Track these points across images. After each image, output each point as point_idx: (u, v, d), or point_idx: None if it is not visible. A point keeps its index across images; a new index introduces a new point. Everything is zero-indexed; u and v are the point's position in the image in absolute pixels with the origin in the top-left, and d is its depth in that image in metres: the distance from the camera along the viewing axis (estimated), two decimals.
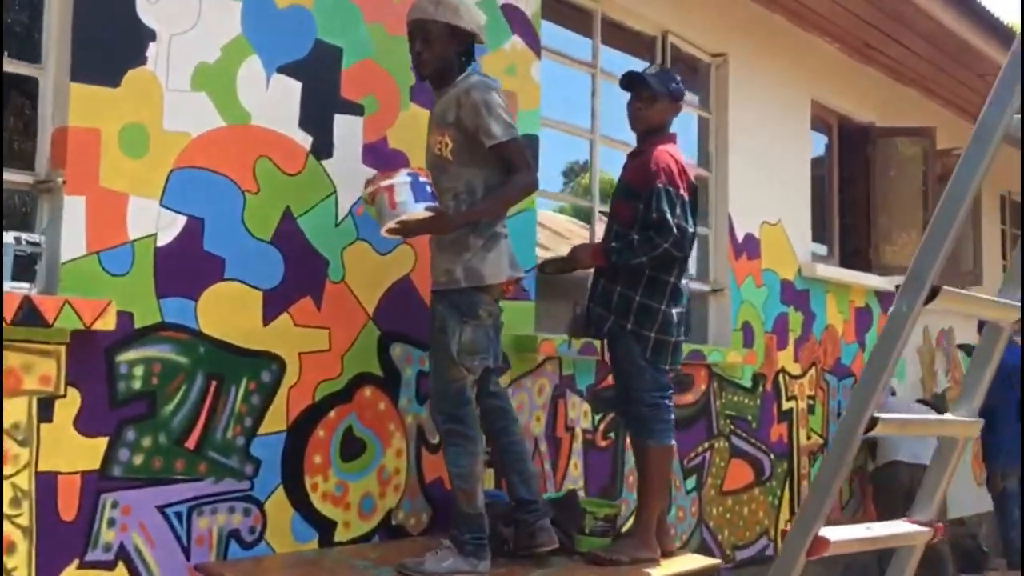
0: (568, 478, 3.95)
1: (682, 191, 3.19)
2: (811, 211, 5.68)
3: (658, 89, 3.33)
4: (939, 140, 6.25)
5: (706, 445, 4.70)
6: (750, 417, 5.00)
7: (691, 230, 3.21)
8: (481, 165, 2.93)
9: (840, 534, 1.58)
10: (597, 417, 4.10)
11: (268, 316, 2.97)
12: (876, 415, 1.54)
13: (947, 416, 1.84)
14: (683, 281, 3.33)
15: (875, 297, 6.20)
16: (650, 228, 3.15)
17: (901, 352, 1.60)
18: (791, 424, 5.31)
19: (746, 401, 4.98)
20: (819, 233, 6.37)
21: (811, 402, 5.49)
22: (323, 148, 3.15)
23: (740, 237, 5.05)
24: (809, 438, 5.46)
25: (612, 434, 4.17)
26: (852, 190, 6.29)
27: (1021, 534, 6.00)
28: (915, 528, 1.77)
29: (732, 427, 4.86)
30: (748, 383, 5.01)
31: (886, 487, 5.55)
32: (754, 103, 5.18)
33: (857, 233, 6.49)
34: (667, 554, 3.27)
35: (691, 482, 4.59)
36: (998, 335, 1.83)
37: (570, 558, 3.16)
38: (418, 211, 2.81)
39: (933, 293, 1.55)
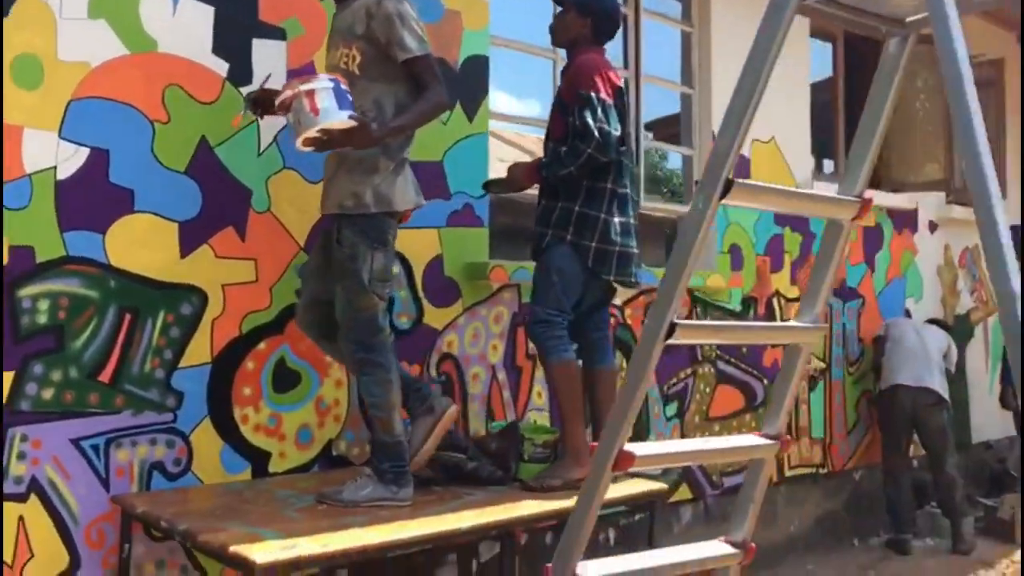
0: (532, 407, 3.89)
1: (603, 95, 3.07)
2: (812, 127, 5.43)
3: (567, 1, 3.23)
4: None
5: (688, 371, 4.58)
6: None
7: (615, 133, 3.08)
8: (390, 80, 2.81)
9: (646, 449, 1.48)
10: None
11: (185, 248, 2.93)
12: (675, 321, 1.42)
13: (790, 322, 1.70)
14: (626, 190, 3.20)
15: (886, 215, 5.93)
16: (576, 137, 3.05)
17: (700, 252, 1.48)
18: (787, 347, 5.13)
19: None
20: (825, 150, 6.12)
21: None
22: (241, 75, 3.07)
23: None
24: (808, 362, 5.29)
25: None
26: (859, 104, 5.98)
27: None
28: (761, 441, 1.65)
29: (718, 352, 4.73)
30: (737, 307, 4.85)
31: (888, 411, 5.37)
32: (741, 11, 4.92)
33: None
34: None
35: (671, 409, 4.48)
36: (838, 233, 1.68)
37: (508, 487, 3.10)
38: (342, 119, 2.66)
39: (727, 187, 1.42)
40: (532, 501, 2.91)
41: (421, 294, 3.53)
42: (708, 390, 4.67)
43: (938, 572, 4.95)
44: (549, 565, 1.58)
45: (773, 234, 5.08)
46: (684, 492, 4.51)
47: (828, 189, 5.32)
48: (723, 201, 1.45)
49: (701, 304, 4.65)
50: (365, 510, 2.69)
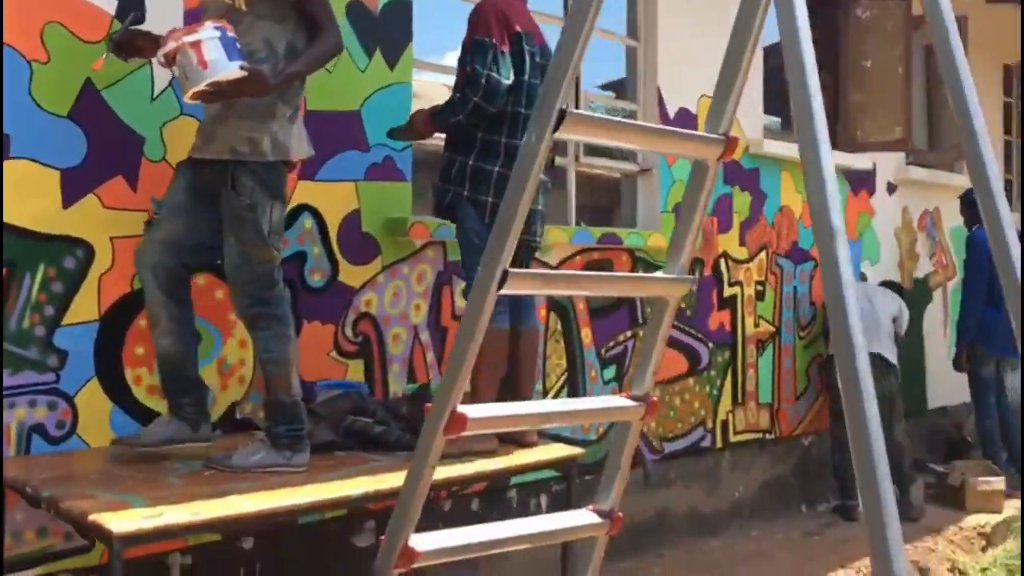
0: None
1: (496, 40, 2.89)
2: (764, 84, 5.27)
3: None
4: (915, 4, 5.73)
5: (628, 334, 4.44)
6: (683, 304, 4.71)
7: (506, 82, 2.92)
8: (279, 19, 2.62)
9: (480, 411, 1.33)
10: None
11: (68, 198, 2.75)
12: (507, 269, 1.27)
13: (656, 274, 1.56)
14: None
15: (842, 176, 5.79)
16: (466, 85, 2.89)
17: (533, 191, 1.32)
18: (735, 311, 5.02)
19: None
20: (778, 108, 5.97)
21: (760, 288, 5.18)
22: (132, 12, 2.86)
23: (672, 112, 4.68)
24: (758, 326, 5.17)
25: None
26: (819, 59, 5.82)
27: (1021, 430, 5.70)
28: (625, 403, 1.51)
29: None
30: None
31: (836, 376, 5.26)
32: None
33: (825, 107, 6.04)
34: (525, 444, 3.05)
35: (610, 372, 4.35)
36: (704, 175, 1.53)
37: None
38: (232, 71, 2.49)
39: (560, 118, 1.25)
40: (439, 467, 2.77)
41: (336, 250, 3.36)
42: None
43: None
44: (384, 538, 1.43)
45: (721, 193, 4.93)
46: None
47: (781, 147, 5.19)
48: (557, 134, 1.28)
49: (643, 265, 4.50)
50: (255, 476, 2.54)
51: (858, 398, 1.12)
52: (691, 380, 4.75)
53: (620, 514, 1.60)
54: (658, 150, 1.75)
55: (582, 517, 1.55)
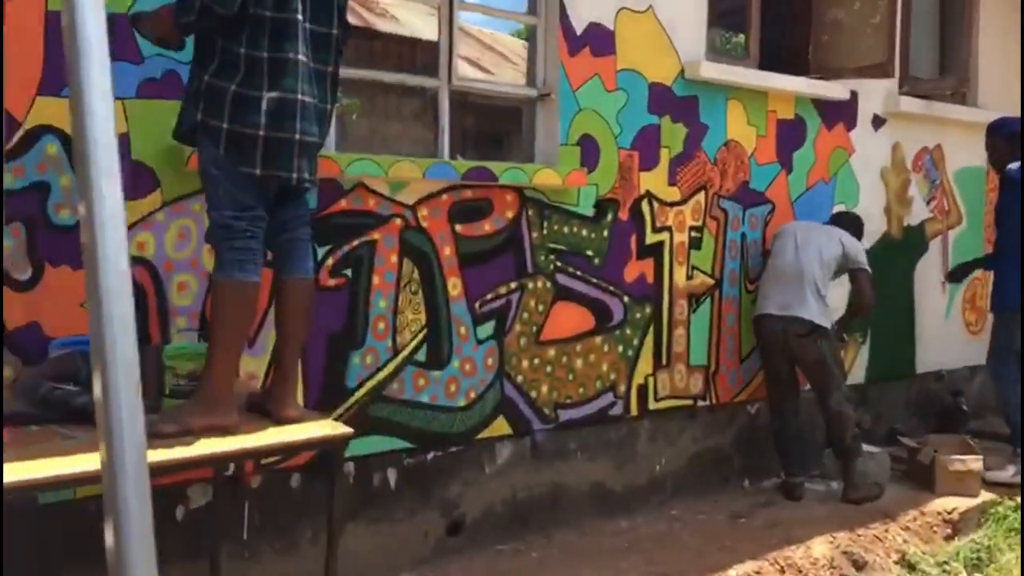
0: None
1: None
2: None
3: None
4: None
5: (513, 286, 3.84)
6: (590, 252, 4.09)
7: None
8: None
9: None
10: (326, 250, 3.31)
11: None
12: None
13: None
14: (292, 56, 2.43)
15: (811, 106, 5.03)
16: None
17: None
18: (660, 260, 4.36)
19: (584, 232, 4.06)
20: (739, 24, 5.22)
21: (696, 235, 4.51)
22: None
23: (580, 28, 4.00)
24: (691, 277, 4.51)
25: (348, 271, 3.38)
26: None
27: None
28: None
29: (558, 263, 3.98)
30: (588, 211, 4.07)
31: (760, 339, 4.60)
32: None
33: (798, 27, 5.27)
34: (281, 421, 2.51)
35: (485, 329, 3.77)
36: None
37: None
38: None
39: None
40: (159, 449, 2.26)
41: None
42: (541, 308, 3.93)
43: (823, 522, 4.24)
44: None
45: (645, 124, 4.25)
46: (501, 426, 3.83)
47: (726, 71, 4.49)
48: None
49: (534, 206, 3.88)
50: None
51: None
52: (598, 339, 4.14)
53: None
54: None
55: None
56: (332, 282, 3.33)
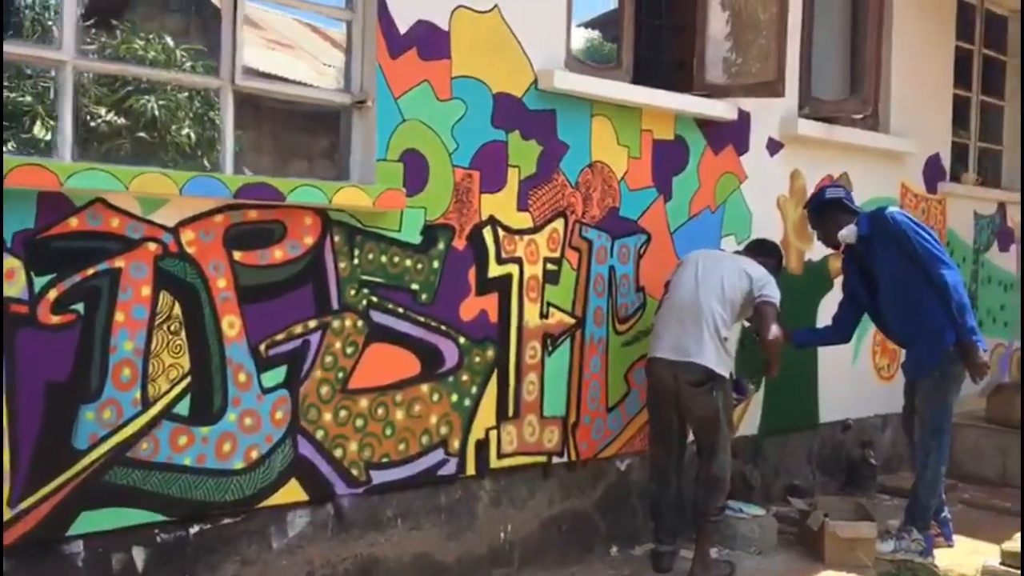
0: None
1: None
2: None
3: None
4: None
5: (312, 324, 3.24)
6: (416, 286, 3.50)
7: None
8: None
9: None
10: (47, 280, 2.70)
11: None
12: None
13: None
14: None
15: (694, 126, 4.51)
16: None
17: None
18: (506, 296, 3.79)
19: (408, 263, 3.48)
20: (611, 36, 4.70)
21: (553, 267, 3.95)
22: None
23: (405, 26, 3.44)
24: (546, 316, 3.94)
25: (78, 306, 2.76)
26: None
27: None
28: None
29: (374, 299, 3.39)
30: (414, 238, 3.50)
31: (650, 386, 4.02)
32: None
33: (681, 40, 4.77)
34: None
35: (275, 376, 3.16)
36: None
37: None
38: None
39: None
40: None
41: None
42: (350, 351, 3.34)
43: None
44: None
45: (488, 140, 3.70)
46: (294, 491, 3.22)
47: (589, 84, 3.97)
48: None
49: (342, 231, 3.30)
50: None
51: None
52: (424, 387, 3.54)
53: None
54: None
55: None
56: (55, 319, 2.71)
